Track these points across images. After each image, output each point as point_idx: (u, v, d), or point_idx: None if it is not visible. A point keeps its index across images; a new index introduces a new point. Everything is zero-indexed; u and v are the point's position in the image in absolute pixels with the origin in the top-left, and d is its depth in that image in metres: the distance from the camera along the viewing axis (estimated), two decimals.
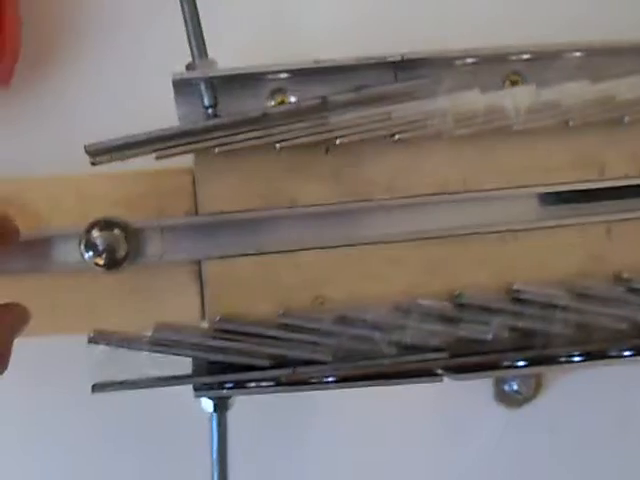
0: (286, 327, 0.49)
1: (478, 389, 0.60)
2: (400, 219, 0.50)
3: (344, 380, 0.49)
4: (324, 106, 0.48)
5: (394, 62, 0.49)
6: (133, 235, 0.47)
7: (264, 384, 0.49)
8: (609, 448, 0.61)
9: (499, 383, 0.60)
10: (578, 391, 0.60)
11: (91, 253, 0.47)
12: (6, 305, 0.44)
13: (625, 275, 0.51)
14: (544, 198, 0.52)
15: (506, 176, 0.51)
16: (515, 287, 0.50)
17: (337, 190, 0.50)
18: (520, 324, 0.49)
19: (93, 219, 0.47)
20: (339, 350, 0.48)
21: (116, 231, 0.47)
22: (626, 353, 0.51)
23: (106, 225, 0.47)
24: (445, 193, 0.51)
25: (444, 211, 0.51)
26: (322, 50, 0.51)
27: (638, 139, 0.52)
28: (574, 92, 0.50)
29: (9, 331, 0.43)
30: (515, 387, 0.59)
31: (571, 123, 0.50)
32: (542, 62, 0.52)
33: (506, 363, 0.50)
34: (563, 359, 0.51)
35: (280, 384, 0.48)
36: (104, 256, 0.47)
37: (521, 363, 0.50)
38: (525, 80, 0.52)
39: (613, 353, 0.51)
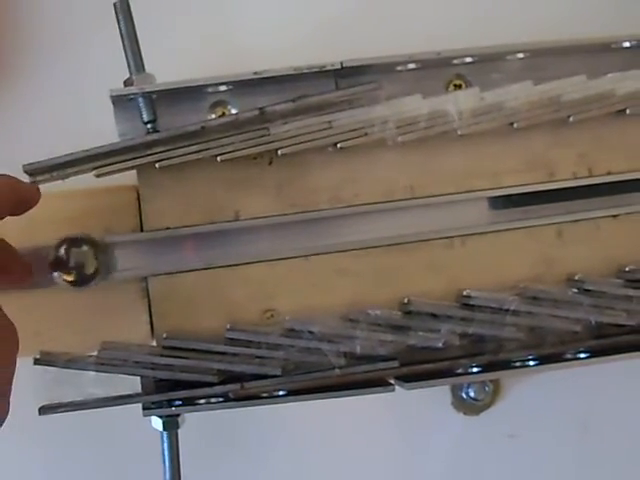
0: (233, 342, 0.48)
1: (436, 397, 0.59)
2: (346, 229, 0.50)
3: (295, 393, 0.48)
4: (263, 117, 0.47)
5: (334, 70, 0.48)
6: (102, 251, 0.47)
7: (213, 400, 0.48)
8: (569, 453, 0.60)
9: (456, 390, 0.59)
10: (536, 396, 0.60)
11: (59, 270, 0.46)
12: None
13: (577, 276, 0.50)
14: (493, 202, 0.51)
15: (454, 181, 0.51)
16: (464, 293, 0.49)
17: (282, 201, 0.50)
18: (471, 330, 0.48)
19: (63, 236, 0.47)
20: (288, 363, 0.48)
21: (85, 247, 0.46)
22: (581, 355, 0.50)
23: (75, 242, 0.46)
24: (392, 201, 0.50)
25: (391, 219, 0.50)
26: (266, 62, 0.50)
27: (585, 139, 0.52)
28: (518, 94, 0.50)
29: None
30: (472, 394, 0.59)
31: (516, 125, 0.50)
32: (485, 65, 0.52)
33: (459, 370, 0.49)
34: (518, 364, 0.50)
35: (229, 400, 0.48)
36: (73, 273, 0.46)
37: (475, 369, 0.49)
38: (469, 84, 0.52)
39: (568, 356, 0.50)
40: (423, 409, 0.59)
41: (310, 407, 0.49)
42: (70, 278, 0.47)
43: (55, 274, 0.46)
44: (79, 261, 0.47)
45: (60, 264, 0.46)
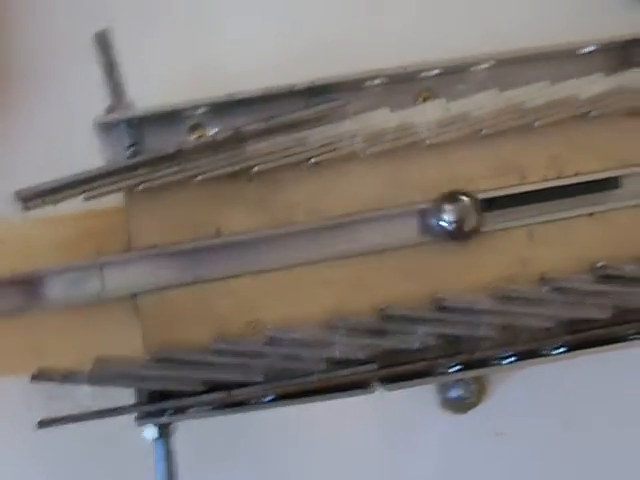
0: (220, 352, 0.50)
1: (422, 397, 0.61)
2: (324, 240, 0.52)
3: (279, 399, 0.50)
4: (238, 137, 0.50)
5: (303, 89, 0.51)
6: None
7: (204, 408, 0.50)
8: (557, 450, 0.61)
9: (443, 390, 0.61)
10: (523, 394, 0.61)
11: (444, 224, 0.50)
12: None
13: (550, 275, 0.52)
14: None
15: (425, 190, 0.52)
16: (439, 296, 0.51)
17: (262, 217, 0.52)
18: (446, 331, 0.50)
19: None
20: (270, 370, 0.50)
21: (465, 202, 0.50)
22: (559, 350, 0.52)
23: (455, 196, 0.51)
24: (365, 211, 0.52)
25: (366, 229, 0.52)
26: (247, 84, 0.52)
27: (554, 142, 0.53)
28: (484, 102, 0.52)
29: None
30: (459, 393, 0.60)
31: (484, 132, 0.51)
32: (452, 76, 0.53)
33: (439, 370, 0.51)
34: (495, 361, 0.52)
35: (218, 407, 0.50)
36: (454, 227, 0.50)
37: (453, 369, 0.51)
38: (437, 96, 0.53)
39: (545, 352, 0.52)
40: (410, 409, 0.61)
41: (295, 409, 0.50)
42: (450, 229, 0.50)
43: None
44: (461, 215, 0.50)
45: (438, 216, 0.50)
